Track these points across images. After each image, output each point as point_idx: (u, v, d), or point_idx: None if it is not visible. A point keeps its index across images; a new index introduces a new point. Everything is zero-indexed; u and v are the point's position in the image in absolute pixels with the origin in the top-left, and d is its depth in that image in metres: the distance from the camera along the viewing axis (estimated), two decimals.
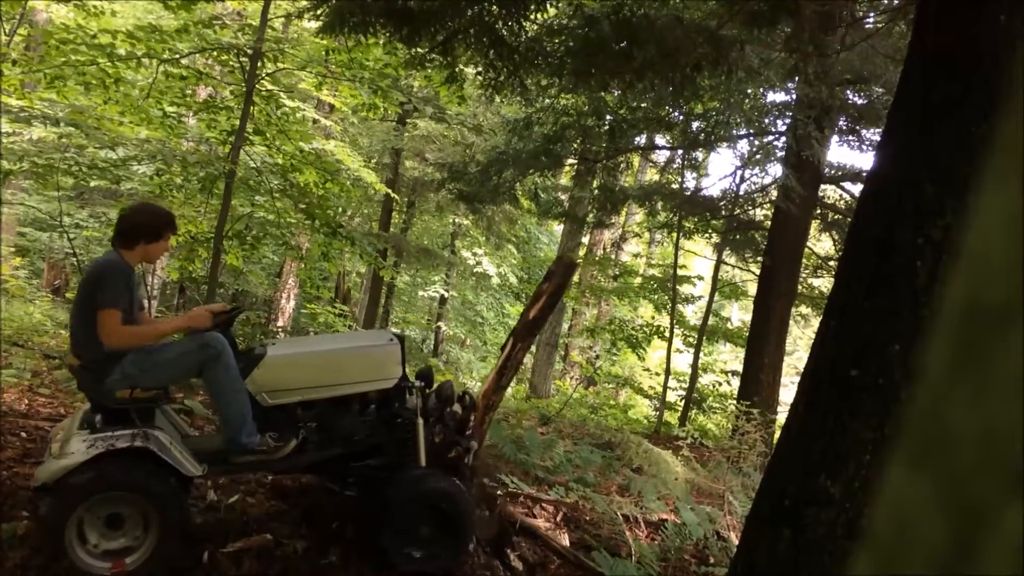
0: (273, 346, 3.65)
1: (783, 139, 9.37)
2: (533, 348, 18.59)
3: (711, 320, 12.63)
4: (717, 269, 11.93)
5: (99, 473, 3.06)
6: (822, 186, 10.03)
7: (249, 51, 6.77)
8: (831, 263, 11.83)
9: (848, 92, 8.45)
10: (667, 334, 11.28)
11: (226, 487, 4.48)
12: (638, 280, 15.44)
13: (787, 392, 10.86)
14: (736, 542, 3.93)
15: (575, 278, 16.31)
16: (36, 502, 3.64)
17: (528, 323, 4.40)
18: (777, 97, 9.63)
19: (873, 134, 9.15)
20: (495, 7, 4.98)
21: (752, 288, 12.07)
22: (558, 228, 18.40)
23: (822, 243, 13.14)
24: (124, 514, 3.16)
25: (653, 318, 15.59)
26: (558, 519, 4.81)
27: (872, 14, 7.05)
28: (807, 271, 12.16)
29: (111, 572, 3.09)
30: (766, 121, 9.54)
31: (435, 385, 3.90)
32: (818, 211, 10.52)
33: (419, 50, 5.70)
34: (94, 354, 3.24)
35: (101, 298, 3.18)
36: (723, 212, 10.95)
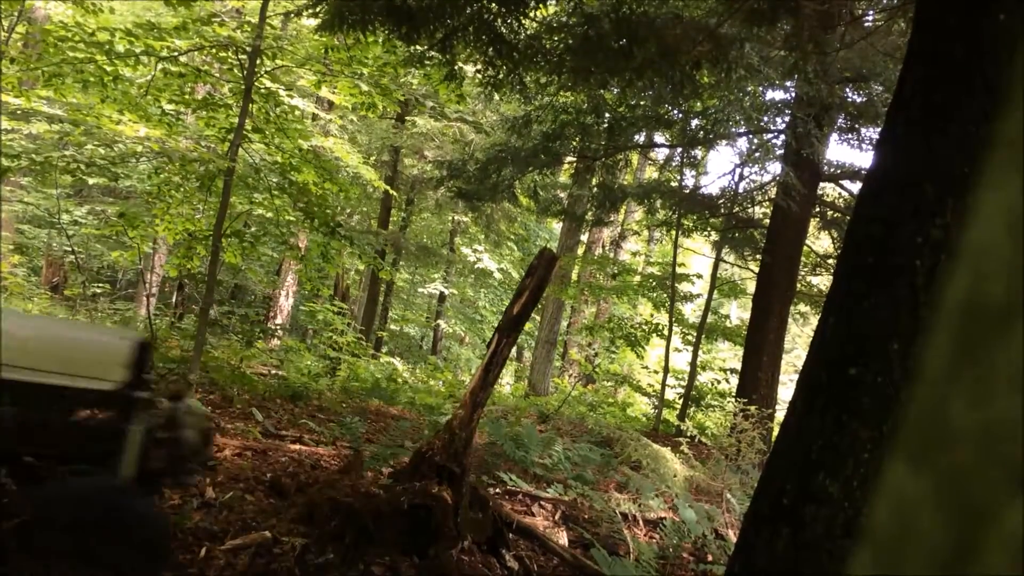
0: None
1: (782, 137, 9.37)
2: (533, 346, 18.58)
3: (710, 318, 12.64)
4: (716, 267, 11.94)
5: None
6: (821, 184, 10.03)
7: (248, 48, 6.76)
8: (830, 261, 11.84)
9: (847, 90, 8.45)
10: (666, 332, 11.28)
11: (224, 485, 4.48)
12: (637, 278, 15.45)
13: (786, 390, 10.89)
14: (734, 540, 3.93)
15: (574, 276, 16.33)
16: None
17: (512, 318, 4.38)
18: (776, 95, 9.63)
19: (872, 132, 9.15)
20: (494, 5, 4.97)
21: (751, 286, 12.07)
22: (557, 226, 18.40)
23: (821, 241, 13.16)
24: None
25: (652, 316, 15.61)
26: (556, 517, 4.82)
27: (871, 12, 7.05)
28: (806, 269, 12.17)
29: None
30: (765, 119, 9.54)
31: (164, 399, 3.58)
32: (817, 209, 10.53)
33: (418, 48, 5.70)
34: None
35: None
36: (722, 210, 10.96)
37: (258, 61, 6.82)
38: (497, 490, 5.14)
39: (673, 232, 11.10)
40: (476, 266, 16.89)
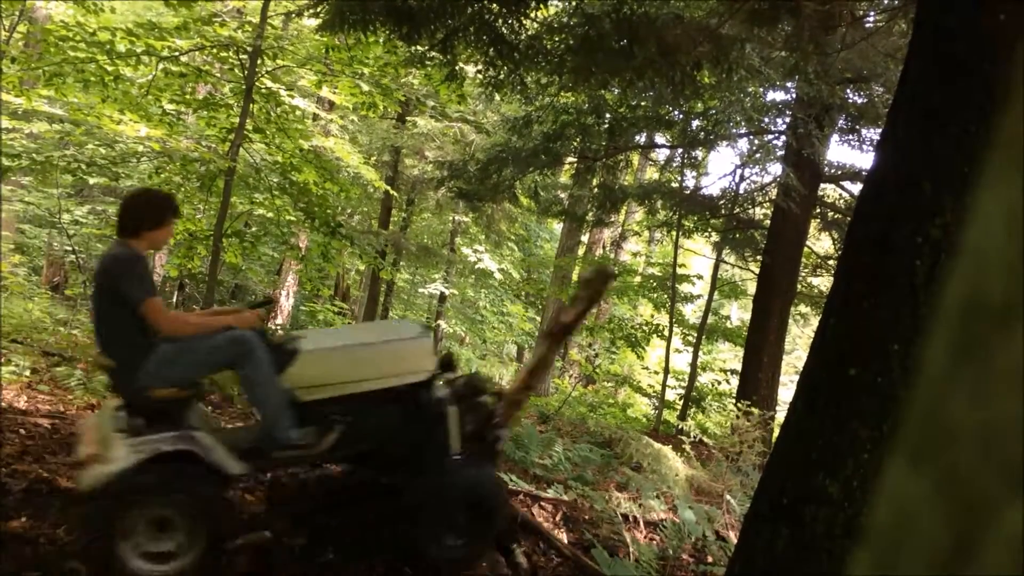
0: (304, 340, 3.60)
1: (783, 138, 9.37)
2: (533, 346, 18.58)
3: (710, 319, 12.63)
4: (716, 268, 11.94)
5: (145, 479, 3.01)
6: (822, 185, 10.03)
7: (249, 48, 6.76)
8: (830, 262, 11.83)
9: (848, 91, 8.45)
10: (666, 333, 11.28)
11: None
12: (637, 279, 15.44)
13: (786, 391, 10.87)
14: (735, 541, 3.93)
15: (574, 276, 16.32)
16: (32, 502, 3.64)
17: (563, 326, 4.40)
18: (777, 96, 9.63)
19: (873, 133, 9.14)
20: (495, 5, 4.97)
21: (751, 287, 12.07)
22: (558, 226, 18.39)
23: (821, 242, 13.15)
24: (170, 516, 3.13)
25: (652, 317, 15.60)
26: (557, 518, 4.81)
27: (872, 13, 7.04)
28: (806, 270, 12.16)
29: (170, 573, 3.07)
30: (766, 120, 9.54)
31: (458, 371, 3.91)
32: (818, 210, 10.52)
33: (419, 48, 5.70)
34: (121, 351, 3.17)
35: (136, 293, 3.11)
36: (723, 211, 10.95)
37: (259, 61, 6.83)
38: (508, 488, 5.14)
39: (673, 233, 11.09)
40: (477, 266, 16.87)
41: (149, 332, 3.20)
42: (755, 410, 7.70)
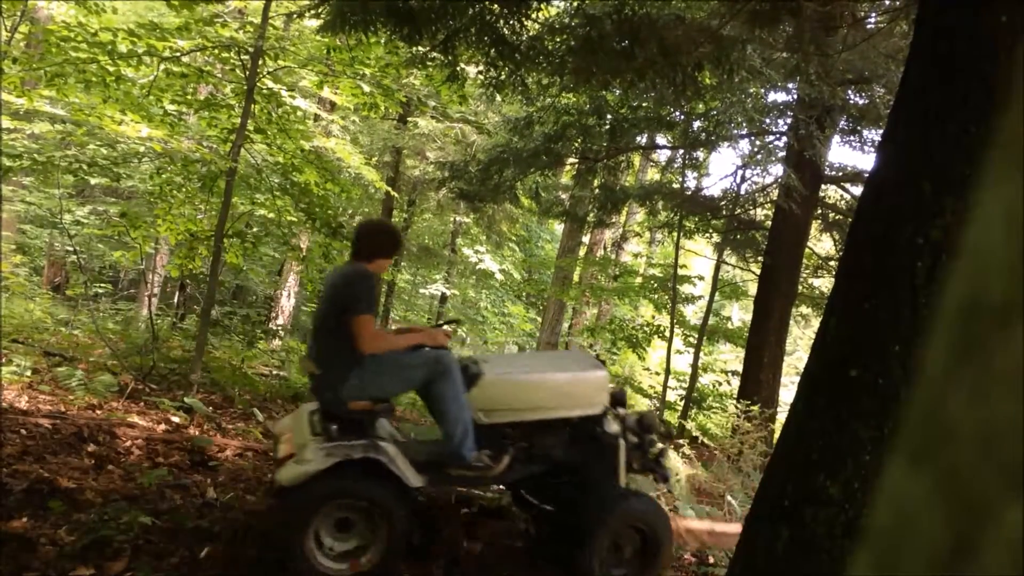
0: (486, 364, 3.79)
1: (784, 139, 9.37)
2: (534, 347, 18.58)
3: (711, 320, 12.63)
4: (717, 269, 11.93)
5: (337, 481, 3.23)
6: (823, 186, 10.03)
7: (250, 49, 6.77)
8: (831, 263, 11.83)
9: (849, 92, 8.45)
10: (667, 334, 11.27)
11: (225, 485, 4.49)
12: (638, 280, 15.44)
13: (787, 392, 10.87)
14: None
15: (575, 277, 16.34)
16: (32, 502, 3.64)
17: None
18: (778, 97, 9.64)
19: (874, 134, 9.14)
20: (496, 6, 4.98)
21: (752, 288, 12.06)
22: (559, 227, 18.40)
23: (823, 243, 13.15)
24: (352, 519, 3.34)
25: (653, 318, 15.59)
26: None
27: (873, 14, 7.04)
28: (807, 271, 12.15)
29: (349, 572, 3.28)
30: (767, 121, 9.54)
31: (630, 409, 4.10)
32: (819, 211, 10.52)
33: (420, 49, 5.70)
34: (335, 362, 3.40)
35: (357, 305, 3.34)
36: (724, 212, 10.95)
37: (260, 62, 6.83)
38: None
39: (675, 234, 11.09)
40: (478, 267, 16.88)
41: (358, 348, 3.42)
42: (756, 409, 7.70)
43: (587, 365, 3.98)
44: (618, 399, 4.01)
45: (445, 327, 3.87)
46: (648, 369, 15.28)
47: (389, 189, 12.64)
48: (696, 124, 9.72)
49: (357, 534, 3.33)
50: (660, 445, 4.03)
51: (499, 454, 3.58)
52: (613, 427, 3.87)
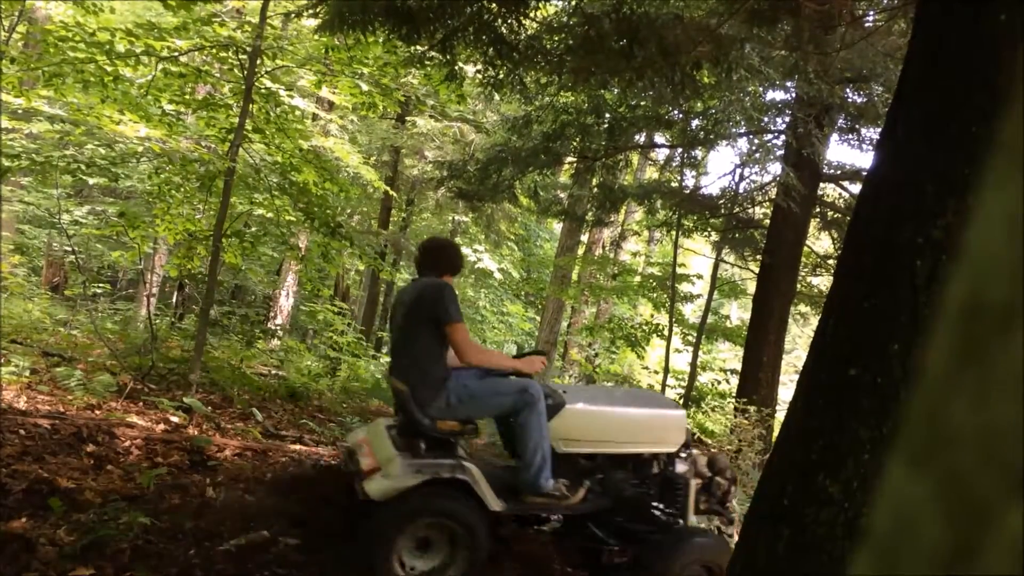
0: (565, 394, 3.82)
1: (783, 137, 9.37)
2: (533, 346, 18.57)
3: (710, 318, 12.62)
4: (716, 267, 11.92)
5: (425, 499, 3.26)
6: (821, 184, 10.03)
7: (248, 49, 6.76)
8: (830, 262, 11.83)
9: (848, 90, 8.45)
10: (666, 332, 11.27)
11: (224, 485, 4.48)
12: (637, 278, 15.44)
13: (786, 390, 10.87)
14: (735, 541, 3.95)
15: (574, 276, 16.34)
16: (32, 502, 3.64)
17: None
18: (777, 95, 9.63)
19: (873, 133, 9.14)
20: (494, 5, 4.97)
21: (751, 286, 12.06)
22: (557, 226, 18.39)
23: (821, 242, 13.14)
24: (432, 538, 3.35)
25: (652, 316, 15.60)
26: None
27: (872, 12, 7.04)
28: (806, 270, 12.15)
29: None
30: (766, 119, 9.54)
31: (694, 451, 4.14)
32: (817, 210, 10.52)
33: (418, 48, 5.69)
34: (425, 380, 3.42)
35: (449, 314, 3.40)
36: (722, 210, 10.94)
37: (258, 61, 6.82)
38: None
39: (673, 232, 11.08)
40: (476, 266, 16.88)
41: (446, 366, 3.48)
42: (752, 408, 7.70)
43: (666, 404, 4.10)
44: (689, 440, 4.08)
45: (541, 357, 3.90)
46: (647, 368, 15.28)
47: (388, 188, 12.64)
48: (695, 123, 9.71)
49: (437, 554, 3.34)
50: (726, 487, 4.09)
51: (575, 485, 3.64)
52: (683, 467, 3.96)
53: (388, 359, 3.79)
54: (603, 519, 3.86)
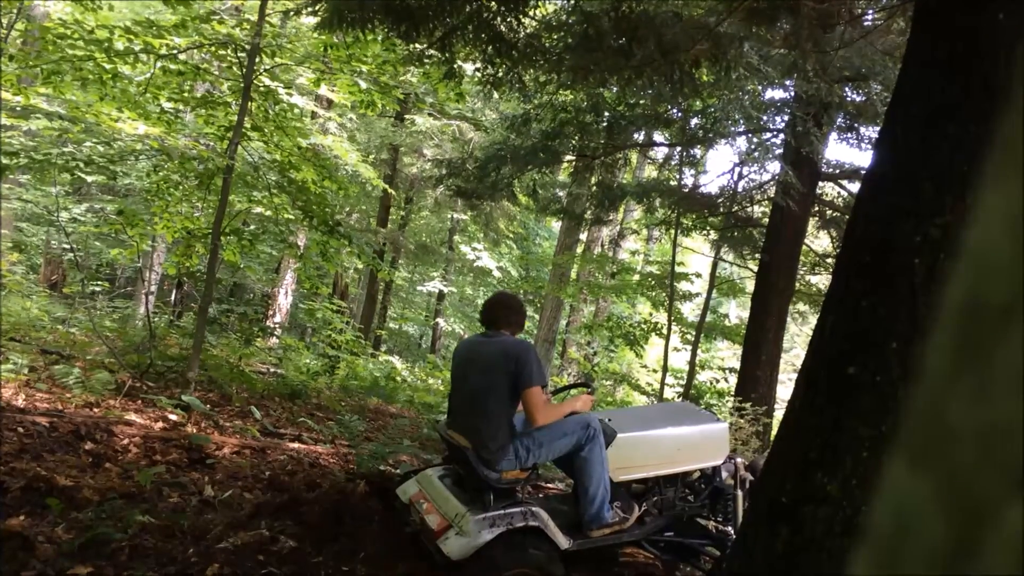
0: (610, 422, 3.88)
1: (781, 136, 9.36)
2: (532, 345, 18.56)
3: (709, 317, 12.63)
4: (715, 266, 11.93)
5: (504, 550, 3.26)
6: (820, 183, 10.03)
7: (247, 46, 6.75)
8: (829, 260, 11.84)
9: (846, 89, 8.44)
10: (665, 331, 11.27)
11: (222, 483, 4.48)
12: (636, 277, 15.44)
13: (785, 389, 10.88)
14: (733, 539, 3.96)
15: (573, 275, 16.33)
16: (30, 500, 3.63)
17: None
18: (776, 94, 9.62)
19: (871, 131, 9.14)
20: (493, 3, 4.97)
21: (750, 285, 12.06)
22: (556, 224, 18.39)
23: (820, 240, 13.14)
24: None
25: (651, 315, 15.60)
26: None
27: (871, 11, 7.04)
28: (805, 268, 12.16)
29: None
30: (764, 118, 9.53)
31: (738, 459, 4.21)
32: (816, 208, 10.52)
33: (417, 46, 5.69)
34: (496, 436, 3.43)
35: (534, 378, 3.40)
36: (721, 209, 10.94)
37: (257, 59, 6.81)
38: None
39: (672, 231, 11.08)
40: (475, 264, 16.89)
41: (513, 425, 3.52)
42: (747, 406, 7.71)
43: (707, 419, 4.14)
44: (731, 451, 4.20)
45: (588, 392, 3.92)
46: (646, 366, 15.29)
47: (386, 186, 12.63)
48: (693, 121, 9.71)
49: None
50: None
51: (627, 509, 3.69)
52: (728, 476, 4.04)
53: (446, 412, 3.75)
54: (654, 537, 3.93)
